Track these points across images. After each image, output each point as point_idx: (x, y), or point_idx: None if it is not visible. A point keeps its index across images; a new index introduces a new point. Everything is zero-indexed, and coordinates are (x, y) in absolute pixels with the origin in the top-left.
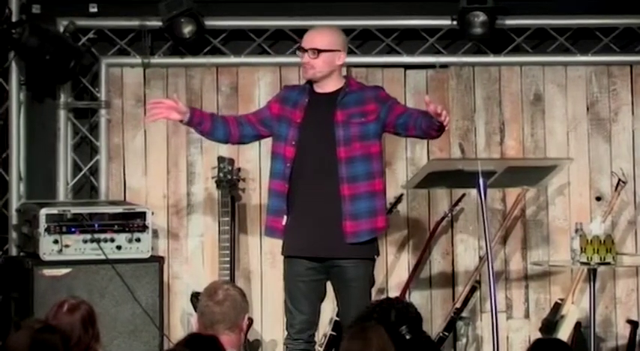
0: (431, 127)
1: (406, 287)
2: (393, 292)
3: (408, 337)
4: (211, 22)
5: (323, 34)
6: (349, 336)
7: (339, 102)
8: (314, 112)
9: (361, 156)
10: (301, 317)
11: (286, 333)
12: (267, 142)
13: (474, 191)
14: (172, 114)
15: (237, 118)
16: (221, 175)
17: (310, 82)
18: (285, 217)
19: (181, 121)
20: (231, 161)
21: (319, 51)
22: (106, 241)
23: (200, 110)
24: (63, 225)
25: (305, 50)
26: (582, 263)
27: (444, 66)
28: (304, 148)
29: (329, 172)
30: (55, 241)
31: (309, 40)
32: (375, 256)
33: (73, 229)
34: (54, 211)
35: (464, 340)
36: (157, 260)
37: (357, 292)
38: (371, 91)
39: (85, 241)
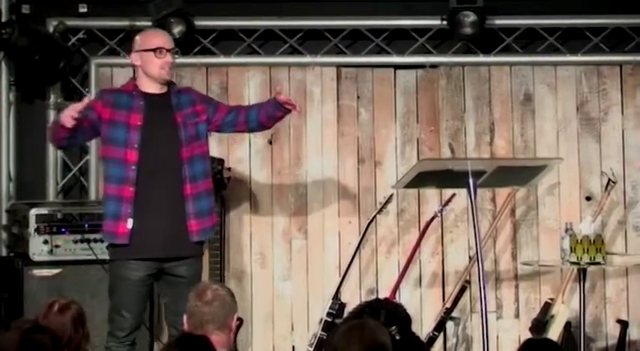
0: (274, 116)
1: (396, 287)
2: (383, 293)
3: (397, 337)
4: (201, 23)
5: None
6: (343, 332)
7: (176, 104)
8: (154, 114)
9: (199, 155)
10: (132, 321)
11: (111, 336)
12: (257, 142)
13: (464, 191)
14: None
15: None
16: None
17: (135, 84)
18: (129, 220)
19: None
20: (221, 161)
21: (176, 51)
22: (96, 241)
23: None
24: (53, 225)
25: (169, 50)
26: (572, 263)
27: (434, 66)
28: (149, 150)
29: (174, 172)
30: (45, 242)
31: (170, 41)
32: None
33: (63, 230)
34: (44, 211)
35: (454, 340)
36: None
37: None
38: (194, 92)
39: (75, 242)
